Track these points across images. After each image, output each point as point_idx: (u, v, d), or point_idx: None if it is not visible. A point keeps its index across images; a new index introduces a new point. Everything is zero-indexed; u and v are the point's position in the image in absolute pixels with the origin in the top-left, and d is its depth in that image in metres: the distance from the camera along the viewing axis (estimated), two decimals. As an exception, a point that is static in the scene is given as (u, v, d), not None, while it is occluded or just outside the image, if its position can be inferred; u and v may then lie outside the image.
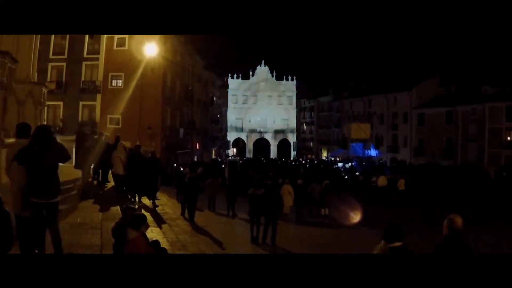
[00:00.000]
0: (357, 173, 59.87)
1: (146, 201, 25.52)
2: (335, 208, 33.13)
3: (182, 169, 41.88)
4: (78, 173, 26.48)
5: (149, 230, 14.44)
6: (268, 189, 23.46)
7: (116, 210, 19.55)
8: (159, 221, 21.28)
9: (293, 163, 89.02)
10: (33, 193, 10.26)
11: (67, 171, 27.46)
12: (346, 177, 60.53)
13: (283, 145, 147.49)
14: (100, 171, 27.42)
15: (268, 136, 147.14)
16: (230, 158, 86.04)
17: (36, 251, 10.54)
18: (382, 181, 45.52)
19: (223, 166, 66.23)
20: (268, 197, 22.75)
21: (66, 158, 11.21)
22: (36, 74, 28.81)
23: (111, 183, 27.18)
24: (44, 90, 28.21)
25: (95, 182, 27.44)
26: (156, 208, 24.78)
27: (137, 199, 24.83)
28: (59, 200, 11.29)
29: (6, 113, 21.76)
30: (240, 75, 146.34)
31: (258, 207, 22.58)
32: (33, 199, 10.27)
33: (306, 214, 32.94)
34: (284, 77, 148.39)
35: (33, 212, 10.30)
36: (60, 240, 11.12)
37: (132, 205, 15.54)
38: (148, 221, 11.77)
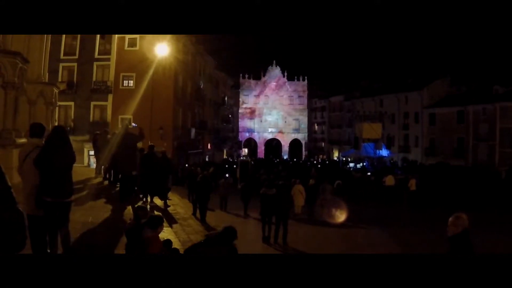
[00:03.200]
0: (369, 173, 59.63)
1: (157, 201, 25.51)
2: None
3: (193, 169, 41.86)
4: (90, 173, 26.54)
5: (160, 230, 14.48)
6: (280, 189, 23.45)
7: (128, 210, 19.58)
8: (171, 221, 21.26)
9: (306, 163, 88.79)
10: (47, 192, 10.28)
11: (79, 171, 27.56)
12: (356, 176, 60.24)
13: (295, 145, 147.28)
14: (112, 171, 27.41)
15: (279, 136, 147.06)
16: (241, 158, 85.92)
17: (48, 251, 10.57)
18: (389, 180, 45.41)
19: (234, 166, 66.13)
20: (280, 197, 22.77)
21: (74, 159, 11.26)
22: (47, 74, 28.92)
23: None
24: (55, 90, 28.35)
25: (105, 182, 27.47)
26: (168, 208, 24.77)
27: (148, 199, 24.80)
28: (72, 199, 11.33)
29: (17, 113, 21.85)
30: (251, 75, 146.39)
31: (270, 207, 22.60)
32: (47, 199, 10.29)
33: (318, 214, 32.87)
34: (296, 77, 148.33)
35: (46, 211, 10.32)
36: (70, 239, 11.14)
37: (143, 205, 15.59)
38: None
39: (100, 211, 18.94)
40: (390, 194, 43.69)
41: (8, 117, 20.88)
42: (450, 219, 8.90)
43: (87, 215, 17.30)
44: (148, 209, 17.03)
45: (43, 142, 10.79)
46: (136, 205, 15.13)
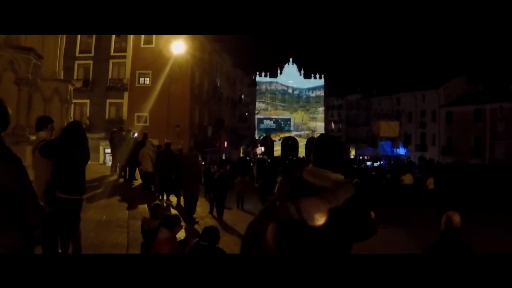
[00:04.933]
0: (387, 174, 59.33)
1: (174, 199, 25.35)
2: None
3: (210, 167, 41.72)
4: (105, 171, 26.32)
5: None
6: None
7: (143, 208, 19.35)
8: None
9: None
10: (61, 188, 10.02)
11: (95, 168, 27.39)
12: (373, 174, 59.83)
13: (311, 143, 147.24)
14: (127, 168, 27.28)
15: (296, 135, 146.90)
16: (258, 156, 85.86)
17: (59, 250, 10.31)
18: (408, 179, 45.13)
19: (251, 164, 65.96)
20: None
21: (89, 156, 11.06)
22: (62, 72, 28.87)
23: (138, 181, 27.05)
24: (71, 87, 28.27)
25: (121, 180, 27.32)
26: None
27: (165, 197, 24.64)
28: (83, 197, 11.09)
29: (31, 110, 21.68)
30: (268, 73, 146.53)
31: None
32: (61, 195, 10.02)
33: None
34: (312, 75, 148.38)
35: (58, 208, 10.03)
36: (80, 238, 10.90)
37: (160, 204, 15.33)
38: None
39: (115, 209, 18.73)
40: (408, 193, 43.35)
41: (22, 114, 20.73)
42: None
43: (101, 213, 17.09)
44: (165, 207, 16.82)
45: (59, 135, 10.57)
46: (153, 204, 14.85)
